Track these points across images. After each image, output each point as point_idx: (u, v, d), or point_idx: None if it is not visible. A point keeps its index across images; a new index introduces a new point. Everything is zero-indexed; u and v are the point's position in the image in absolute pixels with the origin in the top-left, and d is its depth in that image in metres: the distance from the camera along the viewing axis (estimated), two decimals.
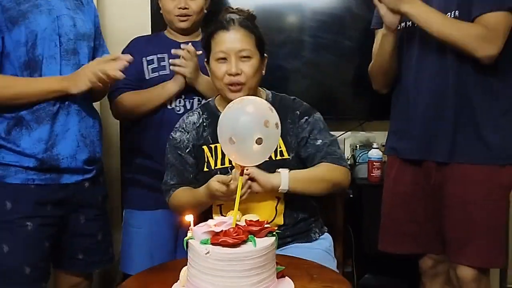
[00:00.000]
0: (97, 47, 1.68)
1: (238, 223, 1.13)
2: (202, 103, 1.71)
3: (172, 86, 1.77)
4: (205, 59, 1.58)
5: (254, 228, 1.11)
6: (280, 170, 1.44)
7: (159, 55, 1.83)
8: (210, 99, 1.66)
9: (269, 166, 1.45)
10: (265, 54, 1.57)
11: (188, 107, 1.82)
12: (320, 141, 1.54)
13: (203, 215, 1.52)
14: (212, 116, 1.57)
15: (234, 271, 1.04)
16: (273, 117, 1.13)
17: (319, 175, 1.50)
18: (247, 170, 1.16)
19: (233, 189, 1.31)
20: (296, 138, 1.54)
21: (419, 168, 1.66)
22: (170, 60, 1.75)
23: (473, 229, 1.57)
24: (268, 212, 1.50)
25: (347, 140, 2.35)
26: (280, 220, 1.52)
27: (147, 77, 1.83)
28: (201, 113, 1.60)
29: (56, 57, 1.51)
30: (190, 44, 1.76)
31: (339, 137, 2.28)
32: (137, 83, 1.82)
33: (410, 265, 1.84)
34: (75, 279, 1.67)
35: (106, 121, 2.05)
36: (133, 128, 1.89)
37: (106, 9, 2.03)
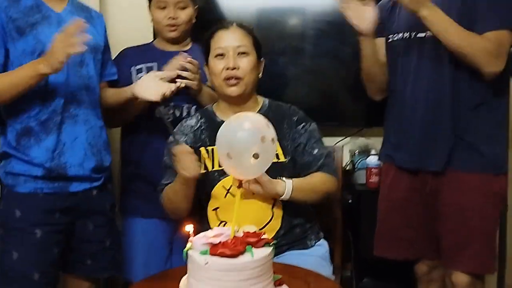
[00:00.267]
0: (105, 59, 1.72)
1: (236, 234, 1.17)
2: (199, 110, 1.74)
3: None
4: (205, 63, 1.63)
5: (252, 239, 1.15)
6: (284, 179, 1.49)
7: (148, 64, 1.86)
8: (207, 106, 1.70)
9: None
10: (262, 58, 1.62)
11: (177, 114, 1.84)
12: (317, 150, 1.60)
13: (200, 222, 1.58)
14: (210, 120, 1.62)
15: (233, 281, 1.08)
16: (270, 132, 1.17)
17: (318, 187, 1.57)
18: (244, 183, 1.21)
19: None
20: (292, 142, 1.59)
21: (415, 175, 1.68)
22: (178, 72, 1.75)
23: (468, 236, 1.60)
24: (264, 213, 1.54)
25: (346, 146, 2.37)
26: (276, 223, 1.55)
27: None
28: (199, 117, 1.65)
29: (63, 68, 1.54)
30: (181, 53, 1.77)
31: (338, 143, 2.32)
32: None
33: (409, 269, 1.86)
34: (83, 284, 1.70)
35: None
36: (124, 137, 1.93)
37: (109, 18, 2.08)
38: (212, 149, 1.58)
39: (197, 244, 1.14)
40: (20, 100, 1.51)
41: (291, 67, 2.36)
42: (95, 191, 1.65)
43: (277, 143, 1.52)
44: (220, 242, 1.13)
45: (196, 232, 1.18)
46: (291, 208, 1.57)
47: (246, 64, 1.55)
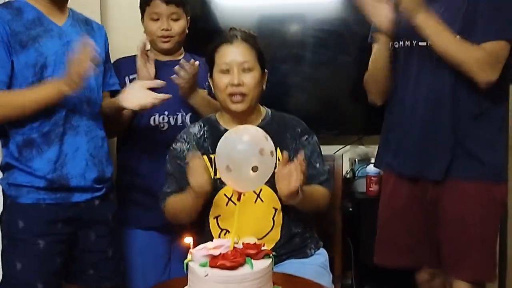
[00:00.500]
0: (106, 70, 1.74)
1: (235, 245, 1.18)
2: (202, 118, 1.74)
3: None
4: (208, 74, 1.65)
5: (251, 251, 1.16)
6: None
7: None
8: (210, 114, 1.70)
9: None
10: (265, 70, 1.63)
11: (173, 123, 1.85)
12: (319, 164, 1.62)
13: (202, 230, 1.58)
14: (213, 128, 1.62)
15: None
16: (268, 145, 1.18)
17: (320, 200, 1.60)
18: (243, 195, 1.22)
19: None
20: (295, 153, 1.59)
21: (416, 183, 1.69)
22: (173, 78, 1.75)
23: (468, 244, 1.61)
24: (265, 223, 1.55)
25: (346, 154, 2.39)
26: (276, 233, 1.57)
27: None
28: (202, 125, 1.66)
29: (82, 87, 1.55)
30: (184, 62, 1.77)
31: (338, 151, 2.33)
32: None
33: (409, 277, 1.87)
34: None
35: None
36: (120, 147, 1.94)
37: (110, 29, 2.10)
38: (215, 157, 1.59)
39: (197, 256, 1.15)
40: None
41: (290, 75, 2.37)
42: (97, 201, 1.66)
43: (280, 153, 1.54)
44: (220, 254, 1.14)
45: (197, 241, 1.19)
46: (290, 218, 1.58)
47: (250, 80, 1.56)
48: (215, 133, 1.58)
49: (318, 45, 2.36)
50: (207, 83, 1.89)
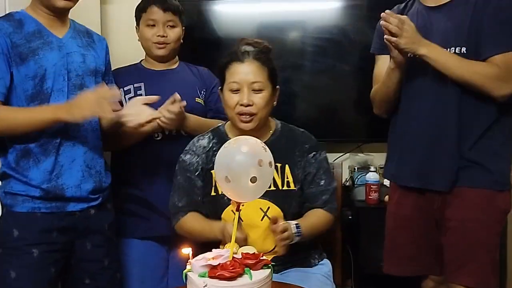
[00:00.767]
0: (106, 82, 1.74)
1: (234, 255, 1.18)
2: (211, 130, 1.71)
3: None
4: (219, 87, 1.64)
5: (250, 261, 1.16)
6: (294, 229, 1.47)
7: (135, 84, 1.87)
8: (220, 124, 1.70)
9: (276, 195, 1.53)
10: (277, 86, 1.62)
11: (167, 132, 1.83)
12: (324, 181, 1.62)
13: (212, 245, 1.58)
14: (222, 141, 1.60)
15: None
16: (267, 156, 1.18)
17: (320, 228, 1.60)
18: (242, 205, 1.22)
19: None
20: (303, 171, 1.60)
21: (422, 194, 1.68)
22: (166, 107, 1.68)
23: (469, 250, 1.61)
24: (270, 241, 1.54)
25: (345, 162, 2.40)
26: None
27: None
28: (211, 137, 1.65)
29: (64, 90, 1.57)
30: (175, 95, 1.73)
31: (338, 159, 2.34)
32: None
33: (409, 284, 1.86)
34: None
35: None
36: (115, 157, 1.92)
37: (110, 40, 2.10)
38: None
39: (196, 266, 1.14)
40: None
41: (289, 83, 2.38)
42: (93, 210, 1.65)
43: (288, 171, 1.58)
44: (219, 264, 1.14)
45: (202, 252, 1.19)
46: None
47: (260, 100, 1.55)
48: None
49: (318, 53, 2.38)
50: (203, 92, 1.90)
